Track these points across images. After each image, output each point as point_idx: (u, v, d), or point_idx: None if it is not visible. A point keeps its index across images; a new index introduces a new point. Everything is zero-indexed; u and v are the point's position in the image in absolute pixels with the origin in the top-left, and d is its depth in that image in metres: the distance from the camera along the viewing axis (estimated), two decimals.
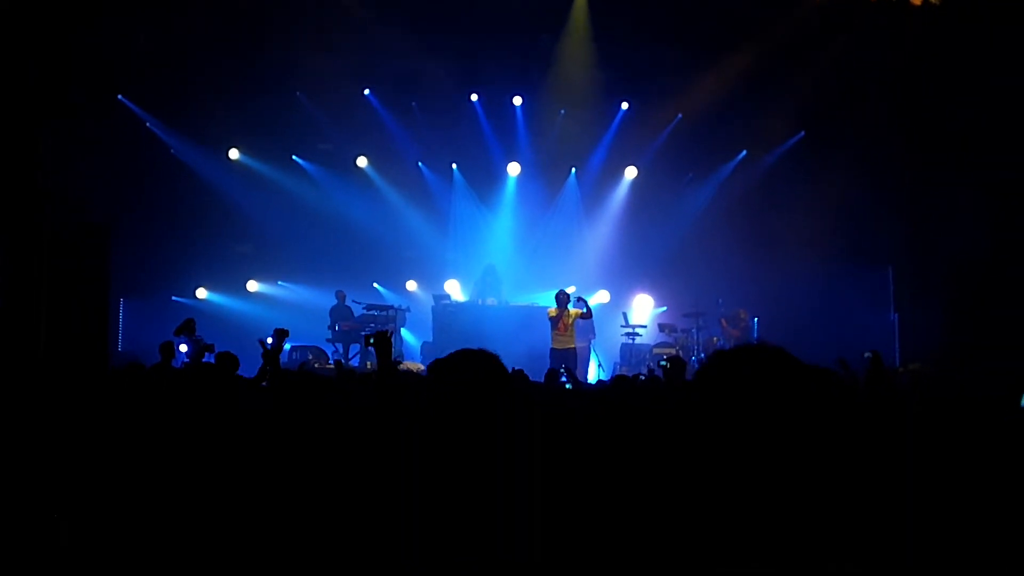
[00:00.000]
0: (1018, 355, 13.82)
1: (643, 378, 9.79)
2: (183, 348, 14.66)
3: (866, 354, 8.13)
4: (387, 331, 6.02)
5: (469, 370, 3.34)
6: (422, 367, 16.83)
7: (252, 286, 20.48)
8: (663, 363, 8.92)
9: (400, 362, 11.87)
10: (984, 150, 16.41)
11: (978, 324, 16.06)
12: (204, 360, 12.40)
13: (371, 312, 18.72)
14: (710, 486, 1.98)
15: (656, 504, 2.13)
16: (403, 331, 19.18)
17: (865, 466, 2.09)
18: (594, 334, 18.55)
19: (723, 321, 18.73)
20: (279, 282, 20.54)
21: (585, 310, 16.19)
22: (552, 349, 15.92)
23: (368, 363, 17.86)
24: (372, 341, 5.94)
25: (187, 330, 12.36)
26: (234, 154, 20.26)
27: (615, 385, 7.75)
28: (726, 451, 1.97)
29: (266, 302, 20.22)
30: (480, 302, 19.15)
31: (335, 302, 19.13)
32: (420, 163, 21.13)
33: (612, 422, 4.58)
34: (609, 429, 4.32)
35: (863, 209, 18.88)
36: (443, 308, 18.85)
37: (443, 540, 2.88)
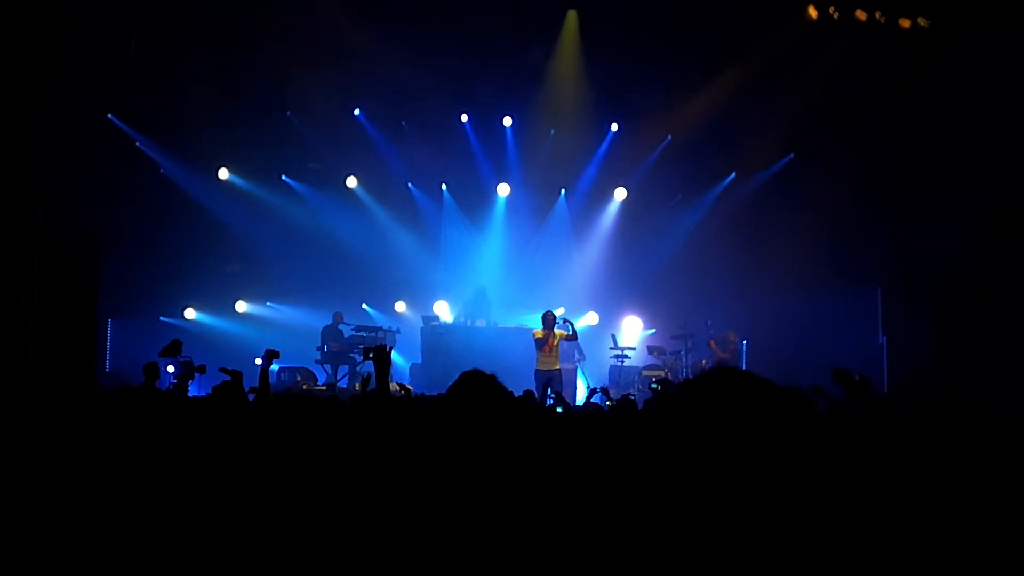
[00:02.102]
0: (1006, 376, 13.87)
1: (633, 397, 9.81)
2: (171, 369, 14.55)
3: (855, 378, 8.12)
4: (386, 345, 6.02)
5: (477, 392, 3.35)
6: (410, 389, 16.77)
7: (241, 306, 20.42)
8: (654, 385, 8.92)
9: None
10: (972, 171, 16.46)
11: (967, 345, 16.07)
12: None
13: (360, 333, 18.66)
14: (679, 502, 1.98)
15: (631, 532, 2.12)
16: (392, 353, 19.07)
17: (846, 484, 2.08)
18: (583, 356, 18.53)
19: (712, 343, 18.73)
20: (268, 303, 20.48)
21: (570, 331, 16.11)
22: (537, 371, 15.83)
23: (356, 385, 17.81)
24: (371, 355, 5.94)
25: (173, 351, 12.23)
26: (224, 174, 20.23)
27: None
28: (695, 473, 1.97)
29: (255, 323, 20.15)
30: (469, 323, 19.12)
31: (329, 322, 19.05)
32: (410, 183, 21.14)
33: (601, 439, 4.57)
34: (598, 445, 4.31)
35: (852, 231, 18.93)
36: (432, 330, 18.81)
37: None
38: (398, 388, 10.04)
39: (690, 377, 2.31)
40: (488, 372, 3.58)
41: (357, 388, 16.49)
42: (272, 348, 9.83)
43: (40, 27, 14.18)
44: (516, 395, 8.32)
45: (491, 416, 3.24)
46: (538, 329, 16.04)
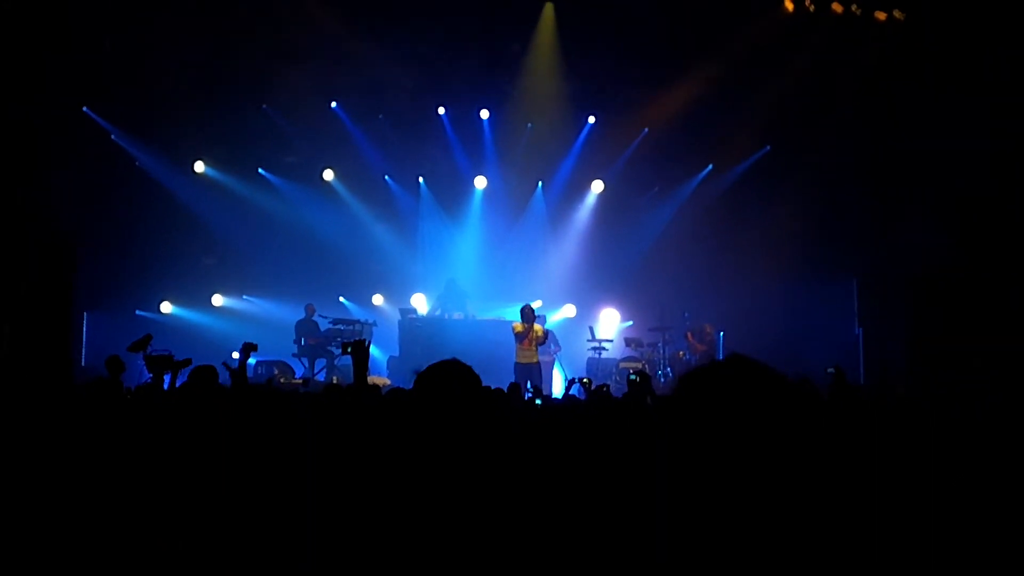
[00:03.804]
0: (981, 368, 13.97)
1: (606, 388, 9.82)
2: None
3: (829, 369, 8.18)
4: (364, 340, 6.02)
5: (452, 383, 3.34)
6: (388, 382, 16.75)
7: (217, 300, 20.31)
8: (632, 377, 8.92)
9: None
10: (948, 164, 16.58)
11: (942, 338, 16.19)
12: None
13: (337, 326, 18.59)
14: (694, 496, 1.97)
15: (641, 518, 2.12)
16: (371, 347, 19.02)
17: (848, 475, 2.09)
18: (559, 347, 18.56)
19: (689, 335, 18.79)
20: (244, 296, 20.38)
21: (541, 335, 16.16)
22: (516, 364, 15.83)
23: (334, 378, 17.75)
24: (349, 349, 5.93)
25: (141, 346, 12.05)
26: (200, 167, 20.11)
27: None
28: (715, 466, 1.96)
29: (231, 316, 20.05)
30: (446, 316, 19.10)
31: (303, 315, 18.98)
32: (387, 176, 21.08)
33: (591, 435, 4.57)
34: (588, 442, 4.31)
35: (828, 223, 19.03)
36: (410, 322, 18.78)
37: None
38: (388, 384, 10.05)
39: (693, 365, 2.31)
40: (466, 364, 3.55)
41: (335, 380, 16.46)
42: (250, 341, 9.78)
43: (37, 28, 14.14)
44: (496, 387, 8.33)
45: (464, 408, 3.23)
46: (517, 323, 16.05)
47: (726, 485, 1.91)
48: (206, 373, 8.17)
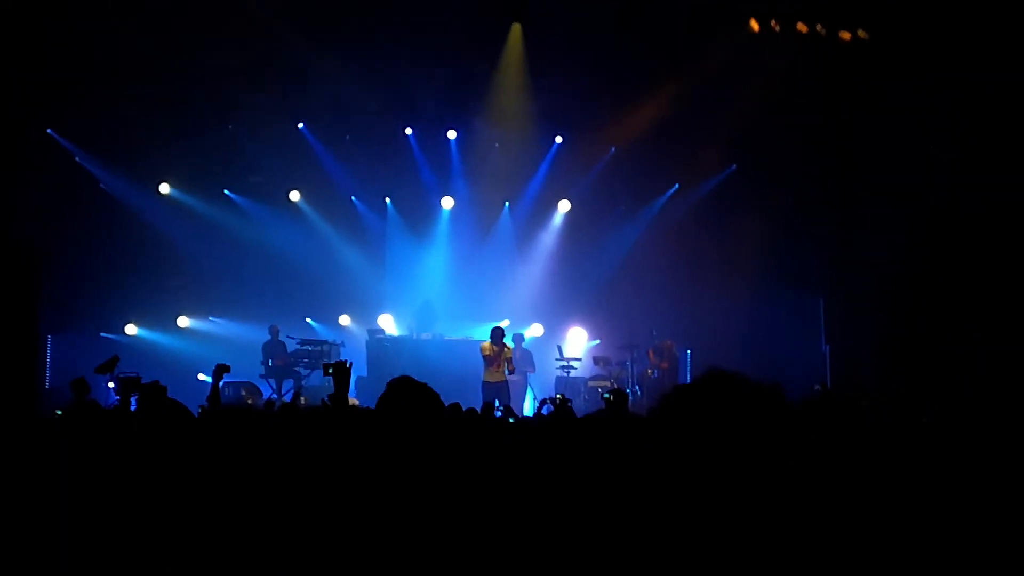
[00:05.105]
0: (947, 383, 14.08)
1: (570, 403, 9.80)
2: (111, 385, 14.27)
3: (816, 387, 8.26)
4: (346, 361, 6.06)
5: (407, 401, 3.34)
6: (356, 402, 16.65)
7: (183, 321, 20.18)
8: (607, 396, 8.91)
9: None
10: (913, 181, 16.73)
11: (908, 354, 16.29)
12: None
13: (305, 347, 18.52)
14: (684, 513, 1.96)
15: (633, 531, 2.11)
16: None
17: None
18: (533, 368, 18.57)
19: (650, 352, 18.79)
20: (210, 317, 20.25)
21: (510, 355, 16.16)
22: (484, 383, 15.82)
23: (302, 398, 17.66)
24: (331, 371, 5.98)
25: (108, 368, 11.95)
26: (165, 188, 20.00)
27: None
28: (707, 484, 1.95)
29: (197, 338, 19.92)
30: (415, 336, 19.07)
31: (268, 337, 18.89)
32: (353, 197, 21.03)
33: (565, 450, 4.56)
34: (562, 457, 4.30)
35: (794, 240, 19.11)
36: (377, 343, 18.74)
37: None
38: (356, 404, 10.00)
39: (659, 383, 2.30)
40: (434, 384, 3.57)
41: (303, 401, 16.37)
42: (222, 363, 9.74)
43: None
44: (467, 407, 8.29)
45: (422, 423, 3.22)
46: (486, 343, 16.00)
47: (714, 500, 1.91)
48: (153, 391, 8.13)
